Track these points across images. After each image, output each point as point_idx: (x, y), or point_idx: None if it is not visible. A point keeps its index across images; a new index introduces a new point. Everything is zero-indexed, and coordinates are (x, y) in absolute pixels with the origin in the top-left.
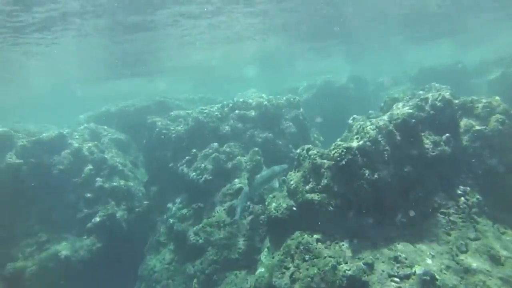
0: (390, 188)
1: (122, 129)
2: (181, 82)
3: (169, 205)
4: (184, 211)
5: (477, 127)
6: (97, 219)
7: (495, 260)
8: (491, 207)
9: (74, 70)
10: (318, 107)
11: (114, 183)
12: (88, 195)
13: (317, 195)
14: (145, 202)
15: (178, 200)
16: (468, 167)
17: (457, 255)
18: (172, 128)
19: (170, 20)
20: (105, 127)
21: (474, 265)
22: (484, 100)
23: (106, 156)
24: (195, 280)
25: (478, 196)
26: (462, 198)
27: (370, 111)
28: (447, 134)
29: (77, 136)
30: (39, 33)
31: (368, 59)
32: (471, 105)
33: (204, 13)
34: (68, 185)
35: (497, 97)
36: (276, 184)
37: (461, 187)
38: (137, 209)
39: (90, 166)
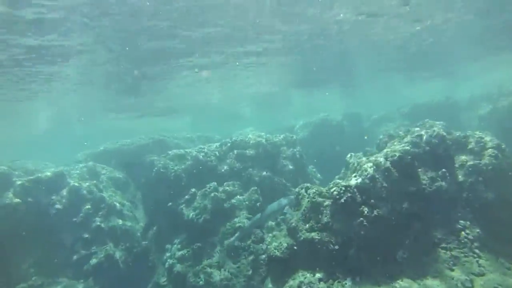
0: (389, 224)
1: (121, 168)
2: (180, 119)
3: (168, 245)
4: (184, 251)
5: (472, 162)
6: (94, 260)
7: None
8: (492, 241)
9: (75, 108)
10: (315, 145)
11: (112, 223)
12: (86, 235)
13: (317, 233)
14: (143, 243)
15: (177, 240)
16: (466, 201)
17: None
18: (171, 167)
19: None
20: (104, 165)
21: None
22: (476, 135)
23: (104, 195)
24: None
25: (478, 230)
26: (463, 233)
27: (366, 148)
28: (443, 170)
29: (75, 175)
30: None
31: (363, 96)
32: (465, 140)
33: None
34: (65, 225)
35: (488, 132)
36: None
37: (461, 221)
38: (135, 250)
39: (88, 206)
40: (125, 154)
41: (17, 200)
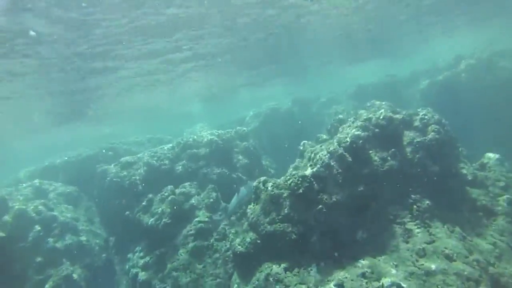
0: (348, 208)
1: (70, 182)
2: (127, 123)
3: (130, 255)
4: (146, 259)
5: (418, 139)
6: (50, 283)
7: (449, 258)
8: (440, 210)
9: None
10: (267, 134)
11: (68, 241)
12: (39, 259)
13: (279, 225)
14: (103, 255)
15: (138, 248)
16: (416, 176)
17: (417, 261)
18: (124, 175)
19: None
20: (51, 182)
21: (433, 266)
22: (420, 113)
23: (55, 213)
24: None
25: (428, 202)
26: (414, 206)
27: (318, 135)
28: (393, 149)
29: (19, 197)
30: None
31: (309, 82)
32: (410, 118)
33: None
34: (13, 253)
35: (430, 109)
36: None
37: (412, 196)
38: (95, 265)
39: (37, 228)
40: (74, 166)
41: None
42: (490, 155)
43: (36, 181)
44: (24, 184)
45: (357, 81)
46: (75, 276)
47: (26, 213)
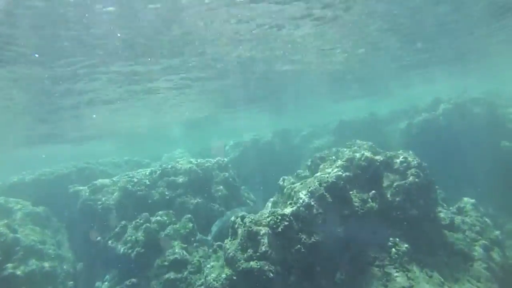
0: (327, 249)
1: (39, 201)
2: (105, 144)
3: (98, 283)
4: None
5: (398, 182)
6: None
7: None
8: (418, 254)
9: None
10: (247, 165)
11: (31, 267)
12: None
13: (256, 262)
14: (69, 283)
15: (107, 277)
16: (395, 219)
17: None
18: (97, 198)
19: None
20: (18, 200)
21: None
22: (401, 156)
23: (19, 235)
24: None
25: (406, 245)
26: (393, 249)
27: (298, 171)
28: (373, 191)
29: None
30: None
31: (291, 114)
32: (391, 160)
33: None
34: None
35: (410, 152)
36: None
37: (391, 238)
38: None
39: None
40: (45, 185)
41: None
42: (466, 199)
43: (1, 198)
44: None
45: (338, 115)
46: None
47: None
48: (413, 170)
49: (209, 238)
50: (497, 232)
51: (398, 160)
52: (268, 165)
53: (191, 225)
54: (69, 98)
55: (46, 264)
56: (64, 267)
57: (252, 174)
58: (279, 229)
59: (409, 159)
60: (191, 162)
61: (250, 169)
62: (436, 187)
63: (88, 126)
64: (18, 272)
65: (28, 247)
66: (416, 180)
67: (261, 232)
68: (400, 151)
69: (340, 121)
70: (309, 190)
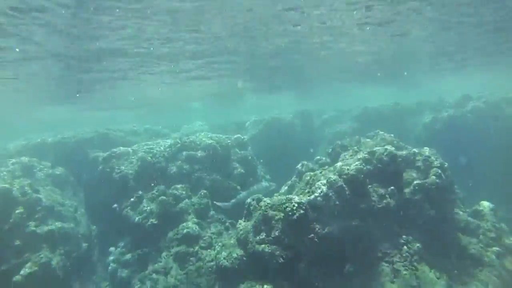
0: (339, 240)
1: (60, 163)
2: (126, 110)
3: (111, 248)
4: (128, 256)
5: (418, 181)
6: (27, 270)
7: None
8: (429, 254)
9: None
10: (266, 143)
11: (50, 227)
12: (17, 242)
13: (268, 246)
14: (84, 245)
15: (121, 244)
16: (411, 217)
17: None
18: (116, 167)
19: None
20: (41, 160)
21: None
22: (425, 154)
23: (41, 196)
24: None
25: (418, 245)
26: (405, 247)
27: (317, 157)
28: (392, 187)
29: (5, 173)
30: None
31: (315, 96)
32: (413, 158)
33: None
34: None
35: (433, 150)
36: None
37: (404, 236)
38: (74, 254)
39: (20, 209)
40: (66, 148)
41: None
42: (485, 203)
43: (25, 157)
44: (12, 160)
45: (363, 101)
46: (53, 263)
47: (10, 193)
48: (434, 170)
49: (229, 203)
50: None
51: (420, 158)
52: (287, 146)
53: (206, 200)
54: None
55: (64, 225)
56: (79, 229)
57: (271, 153)
58: (295, 217)
59: (432, 158)
60: (211, 138)
61: (269, 148)
62: (457, 189)
63: (117, 98)
64: (39, 231)
65: (48, 208)
66: (437, 180)
67: (276, 217)
68: (424, 149)
69: (364, 107)
70: (329, 180)
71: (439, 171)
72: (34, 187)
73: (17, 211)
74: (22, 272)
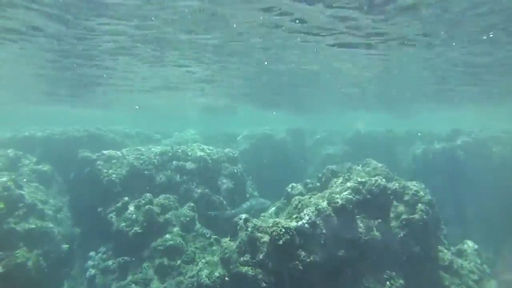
0: (323, 270)
1: (47, 159)
2: (119, 112)
3: (92, 253)
4: (109, 262)
5: (406, 216)
6: (0, 268)
7: None
8: None
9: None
10: (256, 158)
11: (30, 225)
12: None
13: (252, 269)
14: (64, 246)
15: (102, 249)
16: (396, 252)
17: None
18: (104, 170)
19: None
20: (28, 155)
21: None
22: (413, 189)
23: (24, 192)
24: None
25: (401, 281)
26: (388, 283)
27: (307, 180)
28: (379, 220)
29: None
30: None
31: (309, 116)
32: (402, 191)
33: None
34: None
35: (423, 185)
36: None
37: (387, 271)
38: (53, 255)
39: (1, 205)
40: (55, 144)
41: None
42: (470, 243)
43: (11, 150)
44: None
45: (354, 124)
46: (29, 264)
47: None
48: (422, 206)
49: (226, 214)
50: (494, 283)
51: (409, 192)
52: (278, 163)
53: (192, 213)
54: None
55: (45, 224)
56: (61, 230)
57: (261, 169)
58: (281, 242)
59: (421, 193)
60: (202, 150)
61: (259, 164)
62: (442, 226)
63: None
64: (18, 228)
65: (30, 205)
66: (424, 216)
67: (262, 240)
68: (413, 183)
69: (356, 131)
70: (317, 208)
71: (427, 207)
72: (18, 182)
73: None
74: None
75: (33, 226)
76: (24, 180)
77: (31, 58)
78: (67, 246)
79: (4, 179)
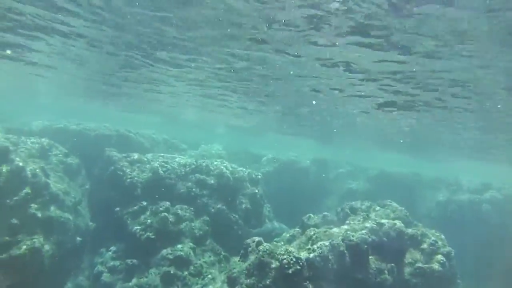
0: None
1: (75, 152)
2: (150, 115)
3: (103, 249)
4: (117, 262)
5: (421, 264)
6: (16, 251)
7: None
8: None
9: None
10: (277, 182)
11: (50, 213)
12: (15, 221)
13: None
14: (78, 239)
15: (113, 248)
16: None
17: None
18: (128, 171)
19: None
20: (58, 145)
21: None
22: (432, 238)
23: (49, 181)
24: None
25: None
26: None
27: (325, 213)
28: (392, 264)
29: (23, 150)
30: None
31: (336, 147)
32: (420, 238)
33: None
34: None
35: (442, 236)
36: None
37: None
38: (67, 245)
39: (27, 190)
40: (85, 139)
41: None
42: None
43: (45, 139)
44: (32, 139)
45: (380, 160)
46: (44, 251)
47: (22, 172)
48: (439, 257)
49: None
50: None
51: (428, 240)
52: (298, 190)
53: (206, 228)
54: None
55: (63, 215)
56: (78, 222)
57: (281, 193)
58: (290, 271)
59: (440, 243)
60: (226, 167)
61: (280, 188)
62: (458, 281)
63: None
64: (39, 215)
65: (53, 194)
66: (440, 269)
67: (272, 266)
68: (433, 231)
69: (381, 170)
70: (331, 243)
71: (444, 259)
72: (46, 171)
73: (24, 191)
74: (11, 251)
75: (53, 215)
76: (52, 169)
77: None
78: (81, 239)
79: (35, 166)
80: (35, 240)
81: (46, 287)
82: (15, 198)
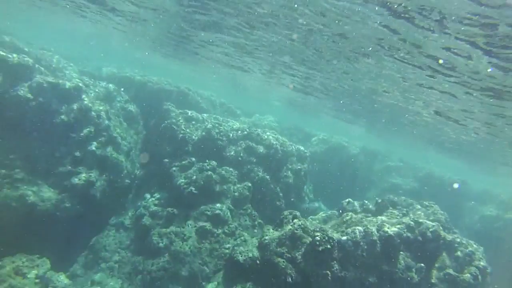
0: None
1: (137, 101)
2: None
3: (147, 195)
4: (159, 209)
5: (451, 271)
6: (76, 180)
7: None
8: None
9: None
10: (324, 163)
11: (107, 153)
12: (77, 154)
13: (284, 262)
14: (126, 181)
15: (157, 195)
16: None
17: None
18: (183, 127)
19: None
20: (123, 93)
21: None
22: (469, 248)
23: (110, 124)
24: (139, 277)
25: None
26: None
27: (365, 201)
28: (422, 264)
29: (92, 93)
30: None
31: (389, 138)
32: (457, 246)
33: None
34: (63, 137)
35: (482, 248)
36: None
37: None
38: (116, 185)
39: (91, 128)
40: (147, 90)
41: (29, 95)
42: None
43: (112, 85)
44: (101, 83)
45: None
46: (97, 184)
47: (89, 111)
48: (473, 269)
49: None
50: None
51: (464, 250)
52: (342, 175)
53: (247, 193)
54: None
55: (118, 157)
56: (129, 166)
57: (324, 175)
58: (320, 248)
59: (477, 255)
60: (276, 139)
61: (325, 169)
62: None
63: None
64: (98, 152)
65: (112, 137)
66: (471, 280)
67: (303, 240)
68: (471, 242)
69: (430, 171)
70: (365, 230)
71: (477, 273)
72: (109, 114)
73: (87, 129)
74: (72, 180)
75: (109, 155)
76: (114, 113)
77: None
78: (129, 181)
79: (100, 108)
80: (91, 174)
81: (94, 217)
82: (81, 133)
